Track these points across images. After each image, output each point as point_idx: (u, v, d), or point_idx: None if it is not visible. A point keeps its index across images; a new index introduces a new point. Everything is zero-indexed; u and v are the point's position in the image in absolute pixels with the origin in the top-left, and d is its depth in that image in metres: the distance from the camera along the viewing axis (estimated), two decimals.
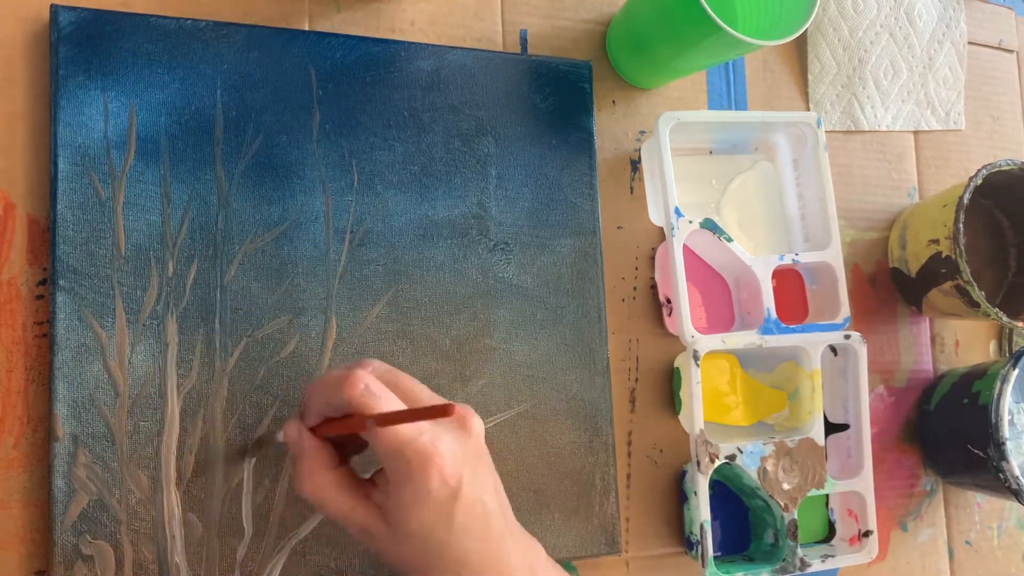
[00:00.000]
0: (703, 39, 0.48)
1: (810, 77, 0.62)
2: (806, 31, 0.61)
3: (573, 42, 0.56)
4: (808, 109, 0.62)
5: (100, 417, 0.42)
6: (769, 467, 0.52)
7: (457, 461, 0.35)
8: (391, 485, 0.36)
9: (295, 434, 0.38)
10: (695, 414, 0.50)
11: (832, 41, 0.62)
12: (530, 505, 0.49)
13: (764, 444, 0.52)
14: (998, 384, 0.54)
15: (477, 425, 0.38)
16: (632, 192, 0.56)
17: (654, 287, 0.56)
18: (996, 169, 0.56)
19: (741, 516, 0.55)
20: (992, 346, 0.66)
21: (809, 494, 0.52)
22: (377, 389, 0.36)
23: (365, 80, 0.48)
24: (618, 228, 0.55)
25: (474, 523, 0.36)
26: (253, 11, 0.49)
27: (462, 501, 0.35)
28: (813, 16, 0.48)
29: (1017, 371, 0.55)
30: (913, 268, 0.59)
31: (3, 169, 0.43)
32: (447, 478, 0.35)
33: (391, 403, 0.36)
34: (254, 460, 0.44)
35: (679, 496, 0.54)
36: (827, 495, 0.57)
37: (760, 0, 0.52)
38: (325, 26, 0.50)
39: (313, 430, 0.38)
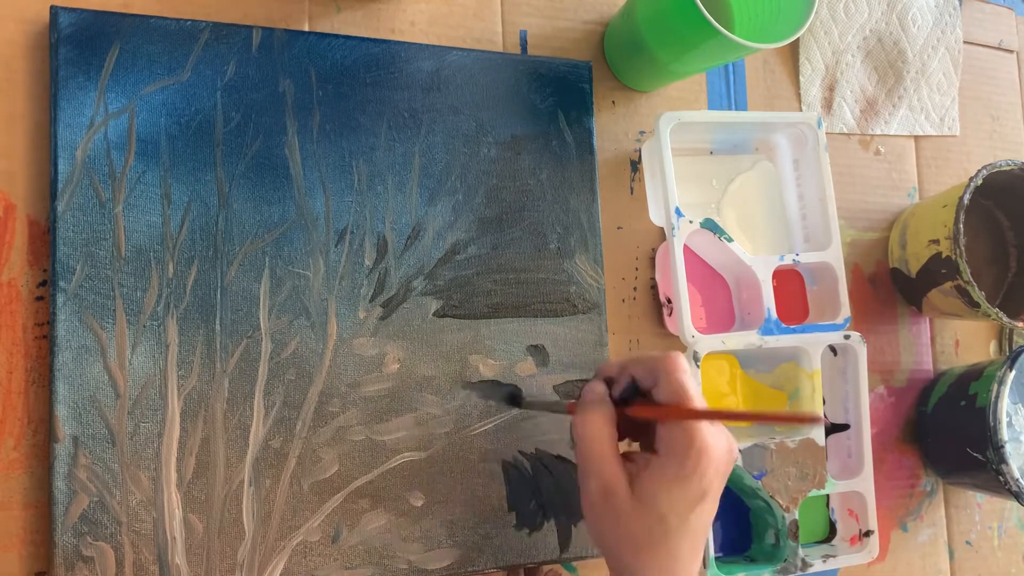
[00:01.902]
0: (701, 43, 0.48)
1: (801, 79, 0.62)
2: None
3: (573, 43, 0.56)
4: (801, 111, 0.62)
5: (101, 418, 0.42)
6: (770, 468, 0.52)
7: (719, 470, 0.39)
8: (658, 458, 0.39)
9: (600, 390, 0.42)
10: None
11: (823, 44, 0.62)
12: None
13: (765, 444, 0.52)
14: (995, 386, 0.54)
15: (736, 453, 0.41)
16: (632, 192, 0.56)
17: (654, 287, 0.56)
18: (996, 169, 0.56)
19: (742, 517, 0.55)
20: (992, 346, 0.66)
21: (810, 494, 0.52)
22: (689, 372, 0.40)
23: (365, 81, 0.48)
24: (618, 228, 0.55)
25: (698, 530, 0.39)
26: (253, 12, 0.49)
27: (704, 504, 0.39)
28: (811, 18, 0.48)
29: (1014, 372, 0.55)
30: (913, 268, 0.59)
31: (3, 170, 0.43)
32: (709, 477, 0.38)
33: (696, 389, 0.40)
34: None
35: None
36: (828, 495, 0.57)
37: (757, 2, 0.52)
38: (325, 26, 0.50)
39: (616, 404, 0.41)
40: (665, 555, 0.39)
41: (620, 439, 0.41)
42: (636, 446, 0.43)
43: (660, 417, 0.40)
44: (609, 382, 0.43)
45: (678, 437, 0.38)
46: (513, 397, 0.49)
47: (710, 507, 0.40)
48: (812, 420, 0.37)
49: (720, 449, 0.39)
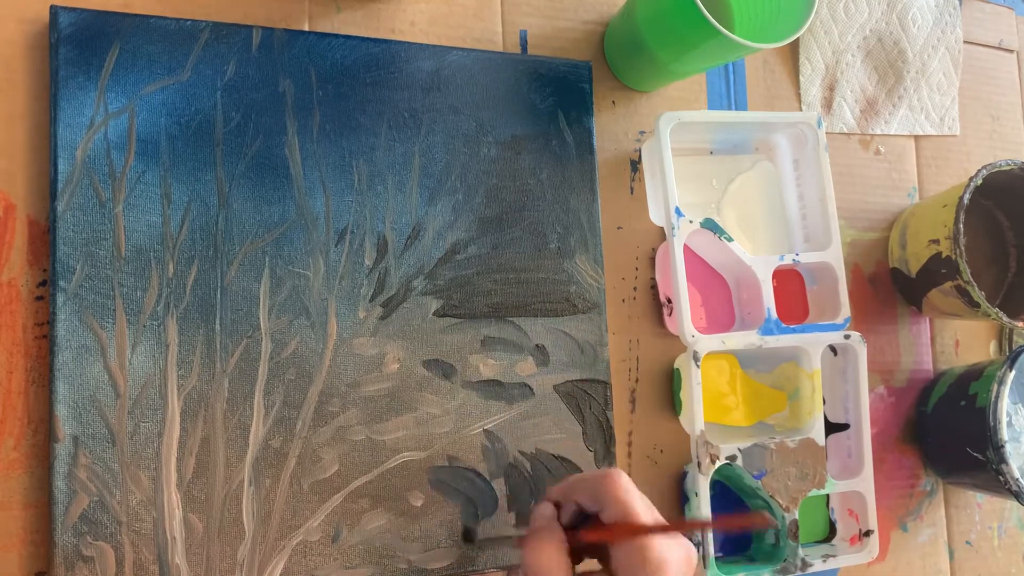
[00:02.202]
0: (701, 43, 0.48)
1: (801, 79, 0.62)
2: None
3: (573, 42, 0.56)
4: (801, 111, 0.62)
5: (101, 418, 0.42)
6: (770, 467, 0.52)
7: None
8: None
9: (548, 513, 0.41)
10: (695, 415, 0.50)
11: (823, 44, 0.62)
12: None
13: (765, 444, 0.52)
14: (995, 386, 0.54)
15: (694, 561, 0.40)
16: (632, 192, 0.56)
17: (654, 287, 0.56)
18: (996, 169, 0.56)
19: (742, 516, 0.55)
20: (992, 346, 0.66)
21: (810, 494, 0.52)
22: (631, 488, 0.40)
23: (365, 80, 0.48)
24: (618, 228, 0.55)
25: None
26: (253, 12, 0.49)
27: None
28: (812, 17, 0.48)
29: (1014, 372, 0.55)
30: (913, 268, 0.59)
31: (3, 170, 0.43)
32: None
33: (641, 505, 0.39)
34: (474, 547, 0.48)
35: (680, 496, 0.54)
36: (828, 495, 0.57)
37: (757, 2, 0.52)
38: (325, 26, 0.50)
39: (565, 529, 0.41)
40: None
41: (578, 560, 0.41)
42: (595, 562, 0.42)
43: (610, 539, 0.39)
44: (558, 505, 0.42)
45: (633, 556, 0.38)
46: (467, 532, 0.47)
47: None
48: (766, 522, 0.37)
49: (677, 561, 0.38)
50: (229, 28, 0.46)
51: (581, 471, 0.50)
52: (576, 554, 0.40)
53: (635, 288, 0.55)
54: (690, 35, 0.48)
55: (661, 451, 0.54)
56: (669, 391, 0.55)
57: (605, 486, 0.39)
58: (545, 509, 0.42)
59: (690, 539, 0.52)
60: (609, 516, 0.39)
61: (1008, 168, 0.57)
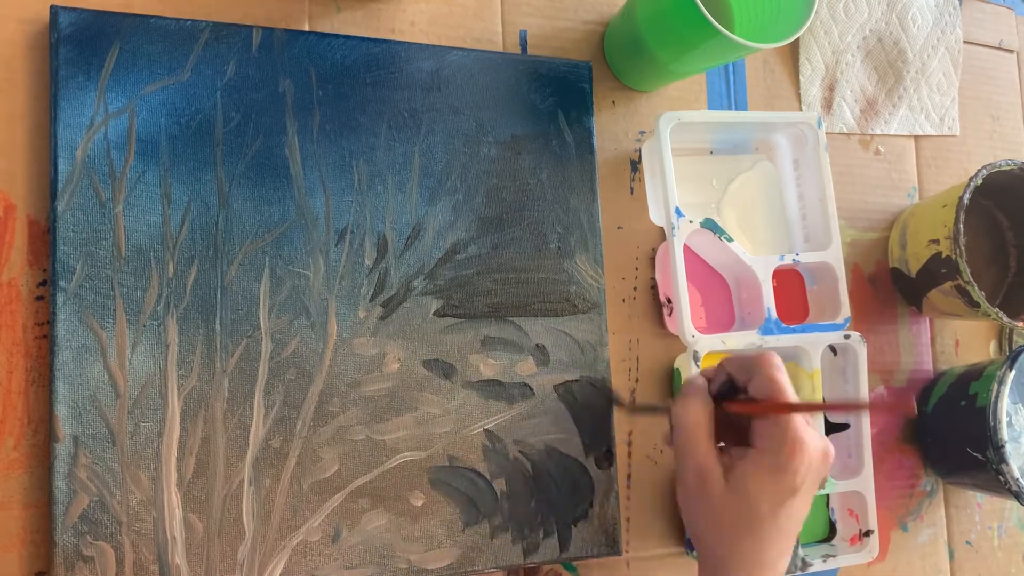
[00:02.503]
0: (701, 43, 0.48)
1: (801, 79, 0.62)
2: None
3: (573, 43, 0.56)
4: (801, 111, 0.62)
5: (101, 418, 0.42)
6: None
7: (813, 467, 0.40)
8: (753, 450, 0.41)
9: (700, 383, 0.44)
10: None
11: (823, 44, 0.62)
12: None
13: None
14: (995, 386, 0.54)
15: (832, 457, 0.42)
16: (632, 192, 0.56)
17: (654, 287, 0.56)
18: (996, 169, 0.56)
19: None
20: (992, 346, 0.66)
21: None
22: (783, 369, 0.42)
23: (365, 80, 0.48)
24: (618, 228, 0.55)
25: (788, 525, 0.40)
26: (253, 11, 0.49)
27: (795, 499, 0.40)
28: (812, 18, 0.48)
29: (1014, 372, 0.55)
30: (913, 268, 0.59)
31: (3, 170, 0.43)
32: (802, 473, 0.40)
33: (789, 386, 0.41)
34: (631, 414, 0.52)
35: None
36: (828, 495, 0.57)
37: (756, 3, 0.52)
38: (325, 26, 0.50)
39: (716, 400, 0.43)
40: (753, 544, 0.40)
41: (718, 440, 0.43)
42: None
43: (754, 412, 0.41)
44: (708, 380, 0.44)
45: (774, 431, 0.40)
46: (615, 398, 0.51)
47: (801, 503, 0.40)
48: (903, 407, 0.40)
49: (815, 448, 0.40)
50: (229, 28, 0.46)
51: (582, 471, 0.50)
52: (721, 426, 0.43)
53: (635, 288, 0.55)
54: (690, 35, 0.48)
55: (661, 451, 0.54)
56: (669, 391, 0.55)
57: (760, 361, 0.41)
58: (697, 379, 0.44)
59: (688, 539, 0.52)
60: (756, 390, 0.41)
61: (1008, 168, 0.57)
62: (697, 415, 0.42)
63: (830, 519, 0.57)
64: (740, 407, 0.42)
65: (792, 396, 0.41)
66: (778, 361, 0.42)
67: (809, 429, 0.40)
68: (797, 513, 0.41)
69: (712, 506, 0.41)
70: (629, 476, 0.53)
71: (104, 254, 0.43)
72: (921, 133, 0.65)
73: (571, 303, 0.51)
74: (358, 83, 0.48)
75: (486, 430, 0.48)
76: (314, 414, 0.45)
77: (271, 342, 0.45)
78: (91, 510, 0.41)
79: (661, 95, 0.58)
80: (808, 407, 0.41)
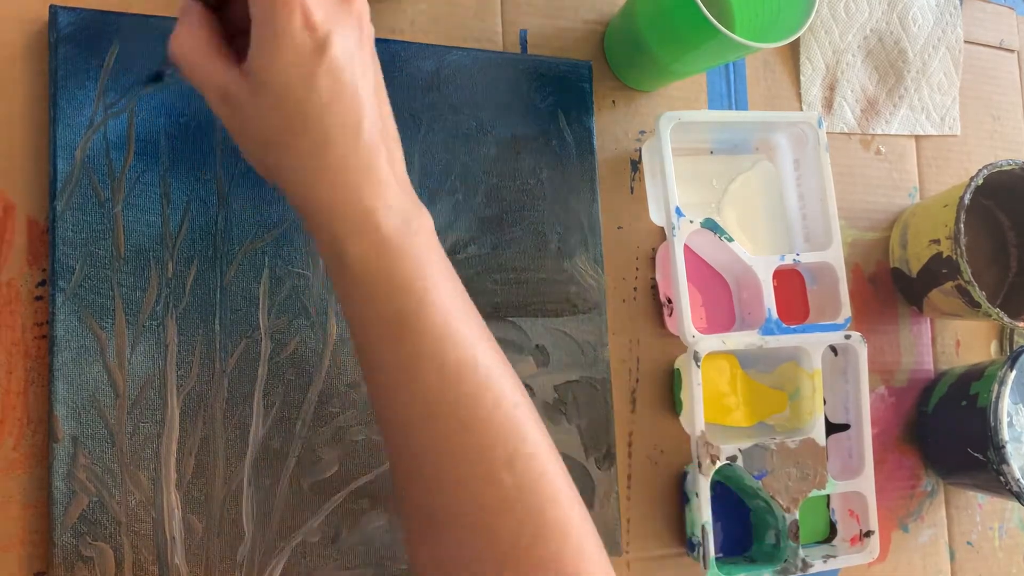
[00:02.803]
0: (701, 43, 0.48)
1: (802, 79, 0.62)
2: None
3: (573, 42, 0.56)
4: (802, 111, 0.62)
5: (100, 418, 0.42)
6: (770, 468, 0.51)
7: (330, 18, 0.32)
8: (253, 30, 0.32)
9: (193, 5, 0.35)
10: (696, 415, 0.50)
11: (823, 44, 0.62)
12: None
13: (765, 445, 0.52)
14: (996, 386, 0.54)
15: (366, 17, 0.34)
16: (632, 192, 0.56)
17: (654, 287, 0.55)
18: (997, 169, 0.56)
19: (742, 517, 0.55)
20: (993, 346, 0.66)
21: (811, 495, 0.52)
22: None
23: None
24: (618, 228, 0.55)
25: (341, 100, 0.33)
26: None
27: (327, 62, 0.32)
28: (812, 17, 0.48)
29: (1015, 372, 0.55)
30: (914, 268, 0.59)
31: (3, 170, 0.43)
32: (313, 24, 0.32)
33: None
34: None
35: (680, 497, 0.54)
36: (828, 495, 0.56)
37: (757, 2, 0.52)
38: None
39: None
40: (312, 146, 0.33)
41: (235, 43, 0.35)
42: None
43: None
44: None
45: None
46: (157, 76, 0.43)
47: (344, 65, 0.32)
48: None
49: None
50: None
51: (582, 471, 0.50)
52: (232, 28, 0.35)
53: (635, 288, 0.55)
54: (691, 35, 0.48)
55: (661, 451, 0.54)
56: (669, 391, 0.55)
57: None
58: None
59: (689, 539, 0.52)
60: None
61: (1009, 168, 0.56)
62: (192, 34, 0.34)
63: (830, 520, 0.57)
64: None
65: None
66: None
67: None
68: (342, 82, 0.32)
69: (244, 121, 0.34)
70: (629, 477, 0.53)
71: (103, 254, 0.43)
72: (922, 133, 0.65)
73: (571, 303, 0.51)
74: None
75: None
76: (314, 414, 0.45)
77: (271, 342, 0.45)
78: (90, 510, 0.41)
79: (661, 95, 0.58)
80: None
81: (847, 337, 0.54)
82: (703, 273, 0.57)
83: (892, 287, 0.63)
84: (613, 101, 0.56)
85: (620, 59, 0.55)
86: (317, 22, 0.32)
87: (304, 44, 0.32)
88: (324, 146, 0.33)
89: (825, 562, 0.53)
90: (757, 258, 0.54)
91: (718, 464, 0.50)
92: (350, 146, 0.33)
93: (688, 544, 0.53)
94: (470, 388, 0.34)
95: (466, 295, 0.36)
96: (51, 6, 0.43)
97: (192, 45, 0.34)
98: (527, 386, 0.49)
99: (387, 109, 0.36)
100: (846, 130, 0.63)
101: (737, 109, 0.60)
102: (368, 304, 0.34)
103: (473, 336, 0.35)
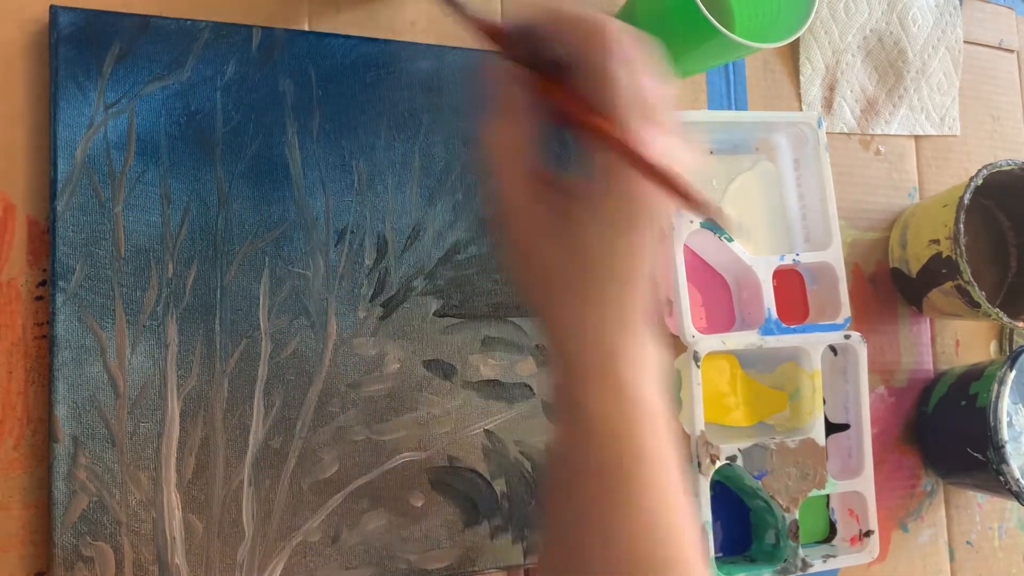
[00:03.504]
0: (701, 43, 0.48)
1: (802, 79, 0.62)
2: None
3: None
4: (802, 111, 0.62)
5: (100, 418, 0.42)
6: (770, 468, 0.51)
7: (657, 195, 0.29)
8: (575, 169, 0.30)
9: (509, 75, 0.31)
10: (696, 415, 0.50)
11: (823, 44, 0.62)
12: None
13: (765, 445, 0.52)
14: (995, 386, 0.54)
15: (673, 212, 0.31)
16: None
17: None
18: (996, 169, 0.56)
19: (742, 517, 0.55)
20: (992, 346, 0.66)
21: (810, 494, 0.52)
22: (633, 53, 0.28)
23: (365, 80, 0.48)
24: None
25: (627, 271, 0.31)
26: (253, 11, 0.49)
27: (631, 236, 0.30)
28: (812, 18, 0.48)
29: (1014, 372, 0.55)
30: (914, 268, 0.59)
31: (3, 170, 0.43)
32: (637, 199, 0.29)
33: (642, 87, 0.28)
34: None
35: None
36: (828, 495, 0.57)
37: (757, 2, 0.52)
38: (325, 26, 0.50)
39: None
40: (585, 299, 0.31)
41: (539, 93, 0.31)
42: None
43: (572, 117, 0.30)
44: (520, 34, 0.31)
45: (598, 144, 0.29)
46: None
47: (640, 242, 0.30)
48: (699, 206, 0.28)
49: (684, 158, 0.29)
50: (229, 28, 0.46)
51: None
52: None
53: None
54: (690, 35, 0.48)
55: None
56: (670, 392, 0.55)
57: (592, 38, 0.28)
58: (502, 67, 0.31)
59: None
60: (585, 83, 0.29)
61: (1009, 168, 0.57)
62: (514, 139, 0.31)
63: (830, 519, 0.57)
64: (558, 97, 0.30)
65: (618, 98, 0.28)
66: (623, 47, 0.28)
67: (655, 132, 0.29)
68: (636, 256, 0.31)
69: (529, 252, 0.32)
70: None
71: (104, 254, 0.43)
72: (921, 133, 0.65)
73: None
74: (358, 83, 0.48)
75: (486, 430, 0.48)
76: (314, 414, 0.45)
77: (271, 342, 0.45)
78: (90, 510, 0.41)
79: None
80: (662, 176, 0.27)
81: (847, 337, 0.54)
82: (703, 273, 0.57)
83: (892, 287, 0.63)
84: None
85: None
86: (639, 199, 0.30)
87: (618, 213, 0.30)
88: (600, 304, 0.31)
89: (825, 562, 0.53)
90: (757, 258, 0.54)
91: (718, 464, 0.50)
92: (625, 309, 0.32)
93: None
94: (671, 553, 0.32)
95: (671, 441, 0.33)
96: (51, 6, 0.43)
97: (513, 154, 0.31)
98: (527, 386, 0.49)
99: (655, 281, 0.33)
100: (846, 130, 0.63)
101: (737, 109, 0.60)
102: (591, 452, 0.32)
103: (682, 498, 0.33)
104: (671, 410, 0.33)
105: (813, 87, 0.62)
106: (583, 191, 0.30)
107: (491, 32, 0.31)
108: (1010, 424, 0.56)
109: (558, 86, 0.30)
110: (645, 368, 0.32)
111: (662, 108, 0.29)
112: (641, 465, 0.32)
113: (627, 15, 0.53)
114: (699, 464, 0.49)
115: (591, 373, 0.32)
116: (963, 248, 0.54)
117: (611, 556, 0.31)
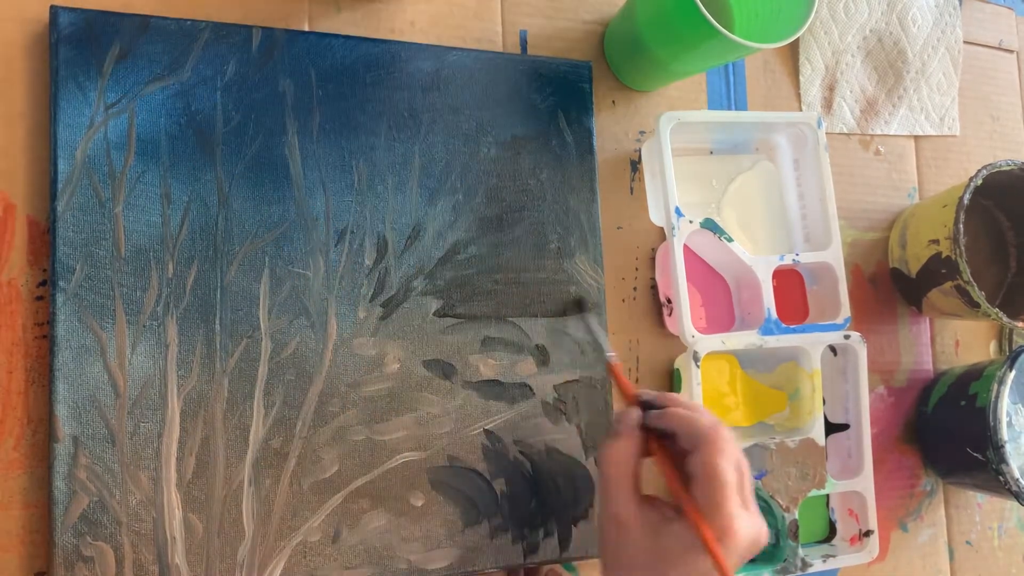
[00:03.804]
0: (701, 43, 0.48)
1: (801, 79, 0.62)
2: None
3: (573, 43, 0.56)
4: (802, 111, 0.62)
5: (100, 418, 0.42)
6: (770, 468, 0.52)
7: (738, 554, 0.37)
8: (681, 521, 0.38)
9: (634, 419, 0.40)
10: None
11: (823, 44, 0.62)
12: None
13: (765, 445, 0.52)
14: (995, 386, 0.54)
15: (763, 543, 0.39)
16: (632, 192, 0.56)
17: (654, 287, 0.56)
18: (996, 169, 0.56)
19: None
20: (992, 346, 0.66)
21: (810, 494, 0.52)
22: (730, 453, 0.38)
23: (365, 80, 0.48)
24: (618, 228, 0.55)
25: None
26: (253, 12, 0.49)
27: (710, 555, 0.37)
28: (811, 18, 0.48)
29: (1014, 372, 0.55)
30: (913, 268, 0.59)
31: (3, 170, 0.43)
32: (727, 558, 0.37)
33: (732, 478, 0.38)
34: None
35: None
36: (828, 495, 0.57)
37: (756, 3, 0.52)
38: (325, 26, 0.50)
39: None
40: None
41: (647, 453, 0.41)
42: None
43: (673, 493, 0.39)
44: (645, 405, 0.41)
45: (706, 508, 0.37)
46: (581, 303, 0.50)
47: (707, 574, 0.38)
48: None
49: (746, 539, 0.37)
50: (229, 28, 0.46)
51: (582, 471, 0.50)
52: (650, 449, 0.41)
53: (635, 288, 0.55)
54: (690, 35, 0.48)
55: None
56: (669, 391, 0.55)
57: (706, 438, 0.38)
58: (631, 416, 0.41)
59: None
60: (695, 466, 0.38)
61: (1008, 168, 0.57)
62: (623, 460, 0.39)
63: (830, 519, 0.57)
64: (670, 478, 0.39)
65: (730, 491, 0.37)
66: (728, 445, 0.38)
67: (743, 512, 0.37)
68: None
69: (627, 560, 0.38)
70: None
71: (104, 254, 0.43)
72: (921, 133, 0.65)
73: (571, 303, 0.51)
74: (358, 83, 0.48)
75: (486, 430, 0.48)
76: (314, 414, 0.45)
77: (271, 342, 0.45)
78: (91, 510, 0.41)
79: (661, 95, 0.58)
80: (713, 550, 0.36)
81: (846, 337, 0.54)
82: (703, 273, 0.57)
83: (891, 287, 0.63)
84: (613, 101, 0.56)
85: (620, 59, 0.55)
86: (728, 558, 0.37)
87: (708, 568, 0.37)
88: None
89: (824, 562, 0.53)
90: (757, 258, 0.54)
91: None
92: None
93: None
94: None
95: None
96: (51, 6, 0.43)
97: (621, 464, 0.40)
98: (527, 386, 0.49)
99: None
100: (845, 130, 0.63)
101: (737, 109, 0.60)
102: None
103: None
104: None
105: (813, 87, 0.62)
106: (682, 535, 0.37)
107: (629, 396, 0.42)
108: (1010, 424, 0.56)
109: (665, 453, 0.40)
110: None
111: (749, 492, 0.39)
112: None
113: (627, 15, 0.53)
114: None
115: None
116: (963, 248, 0.54)
117: None
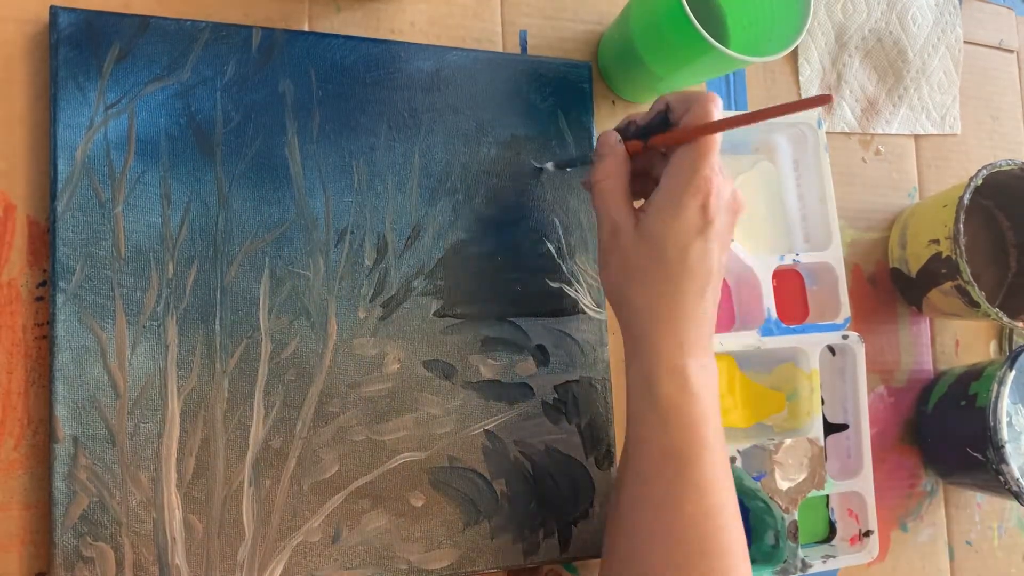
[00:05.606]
0: (696, 58, 0.47)
1: (801, 79, 0.62)
2: None
3: (573, 43, 0.56)
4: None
5: (100, 419, 0.42)
6: (769, 468, 0.52)
7: (721, 206, 0.40)
8: (658, 191, 0.41)
9: (612, 141, 0.44)
10: None
11: (821, 45, 0.62)
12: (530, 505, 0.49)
13: (765, 446, 0.52)
14: (995, 386, 0.54)
15: (742, 203, 0.42)
16: None
17: None
18: (996, 169, 0.56)
19: (742, 517, 0.55)
20: (992, 346, 0.66)
21: (809, 495, 0.52)
22: (720, 105, 0.42)
23: (365, 81, 0.48)
24: None
25: (702, 268, 0.40)
26: (253, 12, 0.49)
27: (705, 240, 0.40)
28: (806, 30, 0.47)
29: (1014, 372, 0.55)
30: (913, 268, 0.59)
31: (3, 171, 0.43)
32: (710, 210, 0.40)
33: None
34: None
35: None
36: (827, 495, 0.57)
37: (751, 13, 0.52)
38: (325, 26, 0.50)
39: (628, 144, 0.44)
40: (667, 291, 0.40)
41: (640, 196, 0.43)
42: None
43: (676, 139, 0.41)
44: (631, 129, 0.44)
45: (682, 165, 0.40)
46: (540, 170, 0.51)
47: (713, 245, 0.40)
48: (822, 100, 0.37)
49: (723, 188, 0.40)
50: (229, 28, 0.46)
51: (582, 471, 0.50)
52: (639, 181, 0.44)
53: None
54: (685, 50, 0.47)
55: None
56: None
57: (697, 96, 0.41)
58: (610, 136, 0.44)
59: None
60: (688, 121, 0.40)
61: (1008, 168, 0.57)
62: (611, 170, 0.43)
63: (830, 519, 0.57)
64: (661, 139, 0.42)
65: (713, 142, 0.40)
66: (719, 101, 0.41)
67: (717, 171, 0.40)
68: (710, 256, 0.40)
69: (624, 256, 0.41)
70: None
71: (104, 255, 0.43)
72: (922, 132, 0.65)
73: (571, 303, 0.51)
74: (358, 83, 0.48)
75: (486, 430, 0.48)
76: (314, 415, 0.45)
77: (271, 343, 0.45)
78: (91, 511, 0.41)
79: None
80: (732, 122, 0.39)
81: (844, 337, 0.54)
82: None
83: (891, 287, 0.63)
84: (613, 101, 0.56)
85: (614, 71, 0.55)
86: (712, 210, 0.40)
87: (695, 221, 0.40)
88: (675, 296, 0.40)
89: (824, 562, 0.53)
90: (756, 258, 0.54)
91: None
92: (694, 304, 0.41)
93: None
94: (715, 526, 0.40)
95: (722, 432, 0.42)
96: (51, 7, 0.43)
97: (611, 184, 0.43)
98: (527, 386, 0.50)
99: (721, 282, 0.44)
100: (846, 130, 0.63)
101: (737, 109, 0.60)
102: (659, 431, 0.40)
103: (728, 480, 0.41)
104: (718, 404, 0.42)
105: (813, 87, 0.62)
106: (662, 200, 0.40)
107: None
108: (1010, 424, 0.56)
109: (662, 134, 0.42)
110: (706, 366, 0.41)
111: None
112: (704, 453, 0.40)
113: (621, 28, 0.53)
114: None
115: (663, 362, 0.40)
116: (963, 248, 0.54)
117: (671, 516, 0.39)
